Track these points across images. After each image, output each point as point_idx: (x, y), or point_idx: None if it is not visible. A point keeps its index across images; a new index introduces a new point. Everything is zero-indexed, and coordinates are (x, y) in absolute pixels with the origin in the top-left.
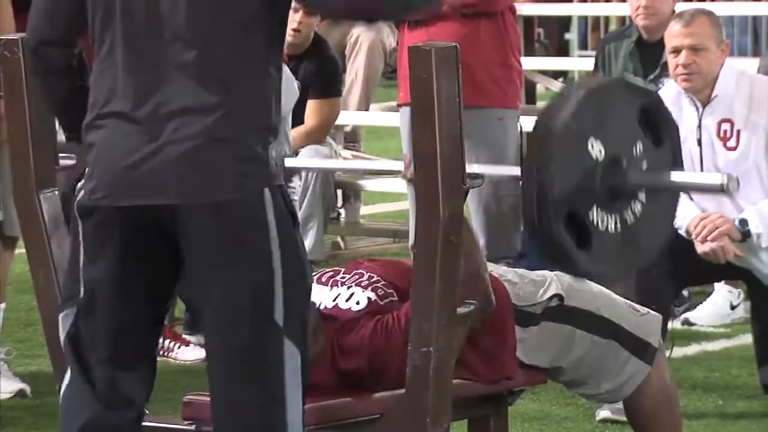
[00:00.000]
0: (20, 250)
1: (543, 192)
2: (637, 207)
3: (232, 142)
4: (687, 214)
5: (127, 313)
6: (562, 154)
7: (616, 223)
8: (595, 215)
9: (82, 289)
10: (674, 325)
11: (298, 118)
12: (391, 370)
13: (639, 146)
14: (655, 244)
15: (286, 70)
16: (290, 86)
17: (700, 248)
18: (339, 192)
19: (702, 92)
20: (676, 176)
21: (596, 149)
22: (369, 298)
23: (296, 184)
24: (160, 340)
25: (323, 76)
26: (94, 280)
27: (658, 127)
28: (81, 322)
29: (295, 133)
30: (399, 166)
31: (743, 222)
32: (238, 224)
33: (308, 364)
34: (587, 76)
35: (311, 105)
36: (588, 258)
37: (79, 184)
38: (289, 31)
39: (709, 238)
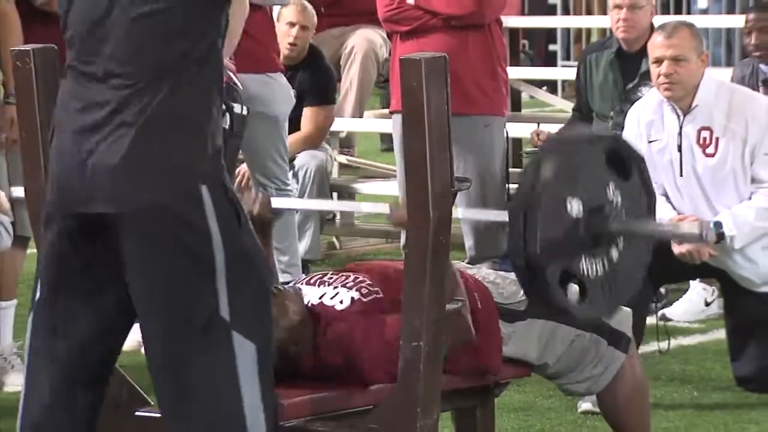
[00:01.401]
0: (32, 249)
1: (533, 261)
2: (621, 242)
3: (160, 147)
4: (664, 216)
5: (70, 319)
6: (544, 223)
7: (603, 265)
8: (585, 265)
9: (38, 291)
10: (651, 320)
11: (294, 125)
12: (367, 372)
13: (611, 187)
14: (640, 271)
15: (282, 79)
16: (287, 95)
17: (677, 249)
18: (335, 195)
19: (683, 101)
20: (656, 224)
21: (575, 207)
22: (353, 298)
23: (293, 187)
24: None
25: (318, 84)
26: (45, 284)
27: (624, 161)
28: (36, 321)
29: (292, 139)
30: (384, 208)
31: (718, 224)
32: (170, 226)
33: (268, 356)
34: (559, 130)
35: (307, 112)
36: (586, 307)
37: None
38: (286, 45)
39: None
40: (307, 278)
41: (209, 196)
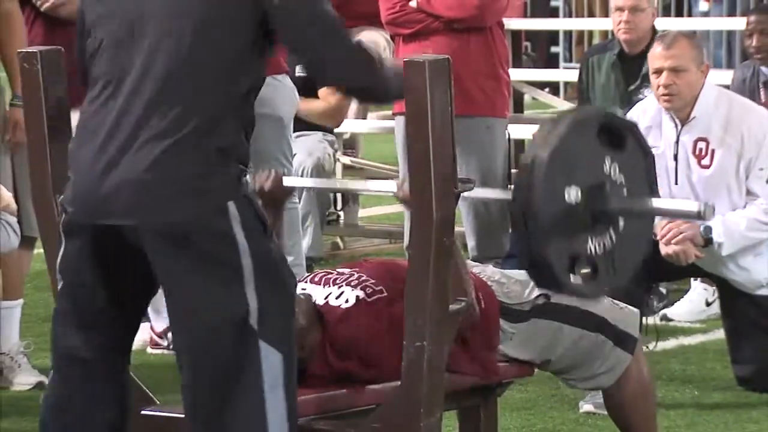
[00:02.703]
0: (38, 250)
1: (539, 255)
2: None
3: (187, 163)
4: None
5: (95, 322)
6: (545, 217)
7: (611, 238)
8: (591, 245)
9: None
10: (653, 320)
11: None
12: (382, 369)
13: (608, 161)
14: (647, 234)
15: (287, 81)
16: (292, 96)
17: (664, 250)
18: (339, 195)
19: (682, 111)
20: (656, 202)
21: (573, 194)
22: (357, 297)
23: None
24: (169, 335)
25: None
26: (68, 286)
27: (617, 131)
28: (57, 324)
29: (306, 108)
30: (391, 185)
31: (708, 229)
32: (198, 240)
33: (293, 365)
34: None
35: (323, 92)
36: (599, 284)
37: (61, 198)
38: None
39: (673, 241)
40: (312, 276)
41: (236, 209)
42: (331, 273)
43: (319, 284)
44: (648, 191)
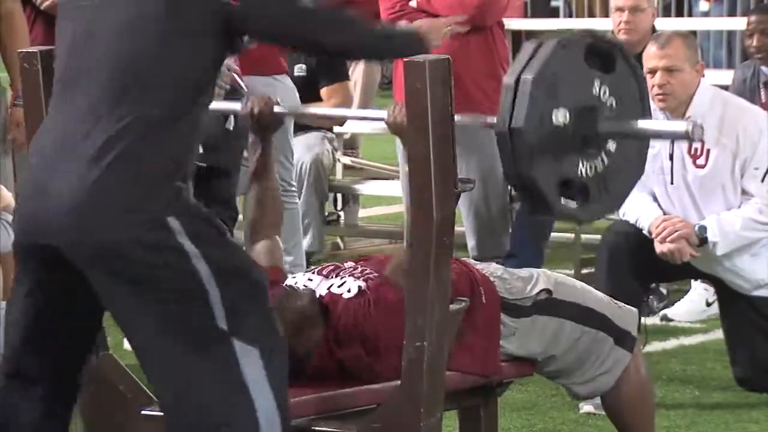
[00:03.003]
0: None
1: (527, 179)
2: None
3: (122, 184)
4: (650, 215)
5: (39, 338)
6: (533, 141)
7: (602, 161)
8: (582, 168)
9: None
10: (653, 320)
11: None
12: (384, 356)
13: (597, 83)
14: (640, 157)
15: (287, 81)
16: (292, 96)
17: (659, 248)
18: (339, 195)
19: (677, 111)
20: (644, 123)
21: (561, 117)
22: (360, 287)
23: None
24: None
25: (329, 62)
26: (16, 301)
27: (605, 53)
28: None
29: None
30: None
31: (702, 228)
32: (143, 256)
33: (275, 358)
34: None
35: (325, 92)
36: (591, 208)
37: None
38: None
39: (668, 239)
40: (319, 268)
41: (178, 222)
42: (339, 266)
43: (325, 276)
44: (640, 113)
